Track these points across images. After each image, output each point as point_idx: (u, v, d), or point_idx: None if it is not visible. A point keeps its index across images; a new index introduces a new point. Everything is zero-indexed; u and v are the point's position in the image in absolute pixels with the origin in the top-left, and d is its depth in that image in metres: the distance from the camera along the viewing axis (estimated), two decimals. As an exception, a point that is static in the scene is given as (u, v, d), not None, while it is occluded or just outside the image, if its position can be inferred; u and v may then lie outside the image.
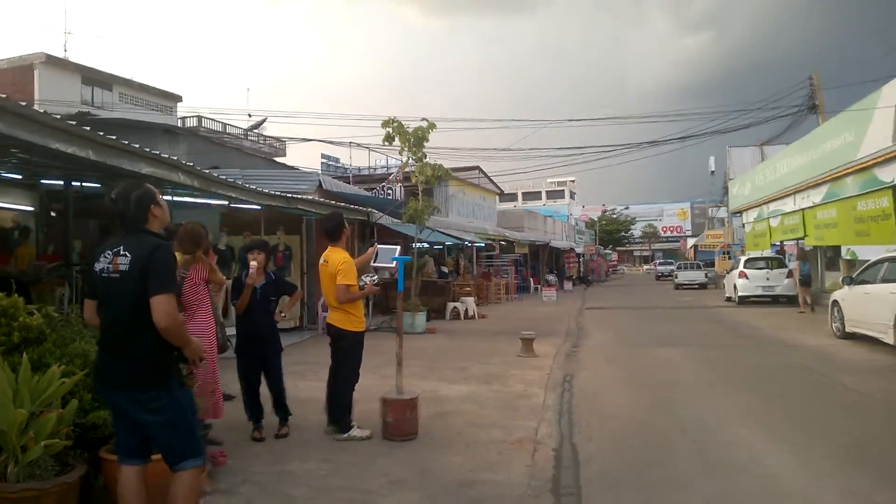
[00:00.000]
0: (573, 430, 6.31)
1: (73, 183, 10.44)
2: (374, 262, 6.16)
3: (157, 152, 7.95)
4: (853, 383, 8.41)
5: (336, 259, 5.74)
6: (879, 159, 14.62)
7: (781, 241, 23.88)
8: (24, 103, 5.59)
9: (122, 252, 3.11)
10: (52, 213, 12.99)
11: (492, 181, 38.83)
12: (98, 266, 3.18)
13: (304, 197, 13.26)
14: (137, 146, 7.33)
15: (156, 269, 3.05)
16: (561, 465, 5.20)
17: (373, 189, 22.59)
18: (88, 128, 6.51)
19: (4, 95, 5.20)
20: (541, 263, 40.44)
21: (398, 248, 6.22)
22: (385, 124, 14.69)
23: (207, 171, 9.38)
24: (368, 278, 5.94)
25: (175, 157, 8.42)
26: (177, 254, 5.43)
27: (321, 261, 5.95)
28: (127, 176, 7.72)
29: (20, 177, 10.85)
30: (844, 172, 16.77)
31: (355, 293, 5.72)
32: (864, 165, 15.52)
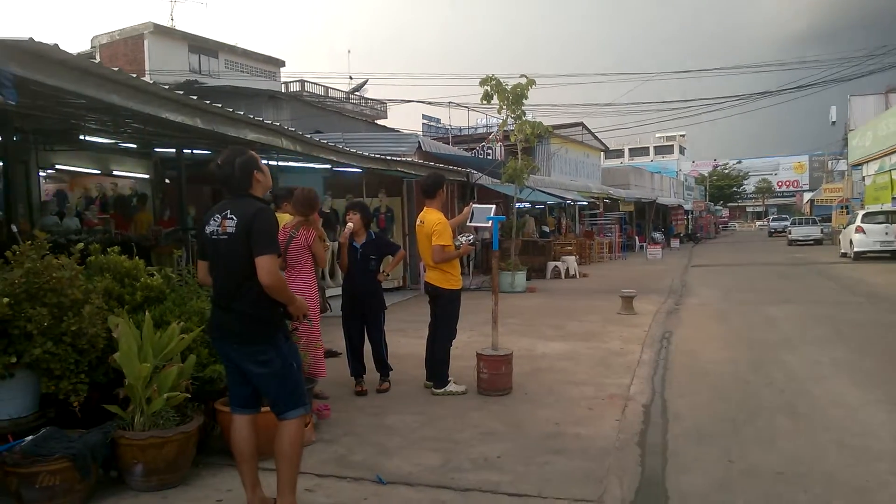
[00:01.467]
0: (665, 386, 6.29)
1: (185, 151, 11.03)
2: (470, 222, 6.25)
3: (261, 119, 8.32)
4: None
5: (432, 219, 5.85)
6: None
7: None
8: (134, 75, 5.96)
9: (229, 215, 3.31)
10: (167, 181, 13.80)
11: (596, 137, 37.88)
12: (208, 229, 3.40)
13: (404, 159, 13.48)
14: (242, 113, 7.70)
15: (259, 231, 3.23)
16: (650, 420, 5.22)
17: (472, 149, 22.59)
18: (196, 97, 6.89)
19: (117, 68, 5.57)
20: (647, 221, 39.31)
21: (493, 207, 6.27)
22: (483, 82, 14.58)
23: (309, 136, 9.72)
24: (464, 238, 6.01)
25: (278, 123, 8.79)
26: (288, 215, 5.73)
27: (418, 221, 6.08)
28: (233, 142, 8.16)
29: (135, 146, 11.62)
30: None
31: (451, 253, 5.82)
32: None
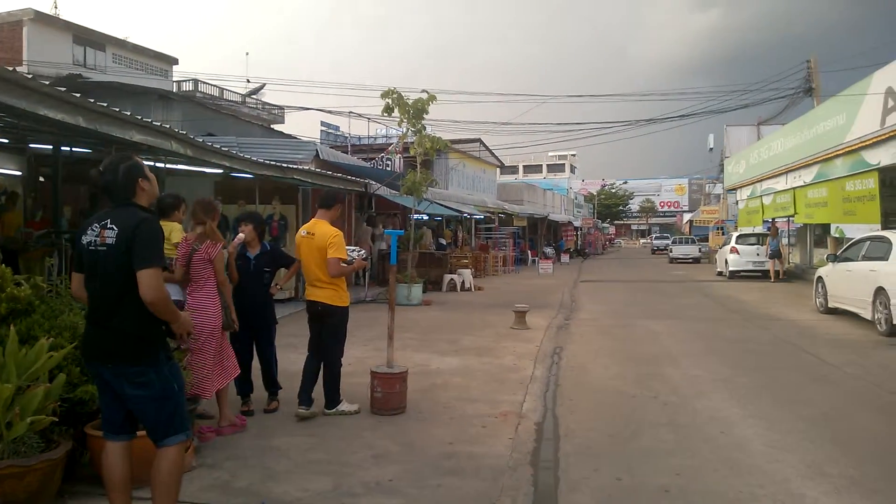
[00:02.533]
0: (557, 402, 6.44)
1: (64, 148, 10.26)
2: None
3: (150, 120, 7.89)
4: (829, 357, 8.70)
5: (326, 231, 5.58)
6: (868, 142, 15.01)
7: (773, 219, 24.14)
8: (11, 68, 5.50)
9: (109, 225, 3.09)
10: (41, 179, 12.82)
11: (493, 154, 38.63)
12: (85, 239, 3.16)
13: (301, 167, 13.18)
14: (129, 113, 7.26)
15: (142, 243, 3.03)
16: (542, 437, 5.31)
17: (372, 159, 22.47)
18: (79, 93, 6.43)
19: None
20: (539, 236, 40.45)
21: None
22: (385, 95, 14.55)
23: (201, 140, 9.30)
24: (357, 253, 5.91)
25: (168, 125, 8.36)
26: (177, 225, 5.40)
27: (302, 233, 5.75)
28: (118, 143, 7.68)
29: (6, 141, 10.70)
30: (834, 154, 17.21)
31: (347, 268, 5.65)
32: (853, 147, 15.91)
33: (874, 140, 14.69)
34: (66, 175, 10.92)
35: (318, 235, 5.58)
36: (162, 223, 7.06)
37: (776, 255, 21.59)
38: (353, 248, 5.93)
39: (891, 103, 14.33)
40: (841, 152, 16.71)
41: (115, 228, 3.07)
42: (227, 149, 10.11)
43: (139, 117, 7.52)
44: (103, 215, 3.16)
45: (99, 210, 3.31)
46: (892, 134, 13.95)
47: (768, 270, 21.62)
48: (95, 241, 3.11)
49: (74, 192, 12.76)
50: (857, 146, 15.63)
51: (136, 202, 3.21)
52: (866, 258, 11.34)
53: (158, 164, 8.93)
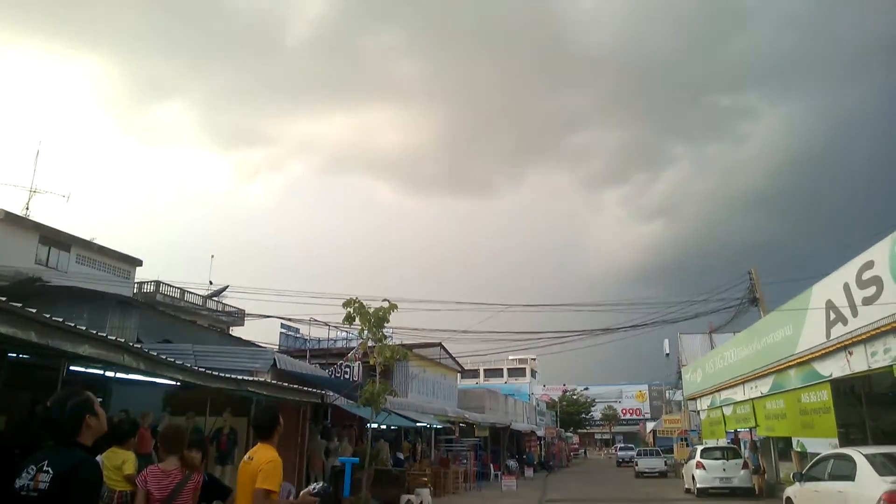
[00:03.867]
0: None
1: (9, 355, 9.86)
2: None
3: (106, 330, 7.77)
4: None
5: (262, 457, 4.65)
6: (816, 354, 15.29)
7: (736, 430, 23.85)
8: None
9: (45, 468, 2.90)
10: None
11: (453, 359, 38.64)
12: (18, 483, 2.93)
13: (256, 379, 12.89)
14: (84, 328, 7.15)
15: (77, 488, 2.83)
16: None
17: (331, 365, 22.17)
18: (37, 296, 6.36)
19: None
20: (501, 447, 39.23)
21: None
22: (346, 304, 14.76)
23: (155, 354, 9.11)
24: (316, 485, 5.17)
25: (123, 339, 8.22)
26: (131, 453, 5.06)
27: (245, 458, 4.87)
28: (71, 356, 7.47)
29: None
30: (787, 365, 17.38)
31: (277, 502, 4.58)
32: (803, 359, 16.13)
33: (823, 352, 14.99)
34: (6, 380, 10.40)
35: (256, 461, 4.69)
36: (115, 451, 6.73)
37: (757, 470, 21.07)
38: (316, 483, 5.25)
39: (832, 316, 14.90)
40: (793, 363, 16.94)
41: (50, 472, 2.88)
42: (181, 361, 9.89)
43: (93, 331, 7.40)
44: (40, 456, 2.99)
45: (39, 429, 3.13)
46: (838, 346, 14.29)
47: (738, 487, 20.92)
48: (28, 485, 2.90)
49: (14, 397, 12.09)
50: (807, 357, 15.88)
51: (80, 441, 3.06)
52: (833, 477, 11.09)
53: (108, 373, 8.66)
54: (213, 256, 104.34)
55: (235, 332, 33.18)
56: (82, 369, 9.24)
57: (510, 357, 77.63)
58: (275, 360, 15.49)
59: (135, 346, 8.40)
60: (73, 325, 6.94)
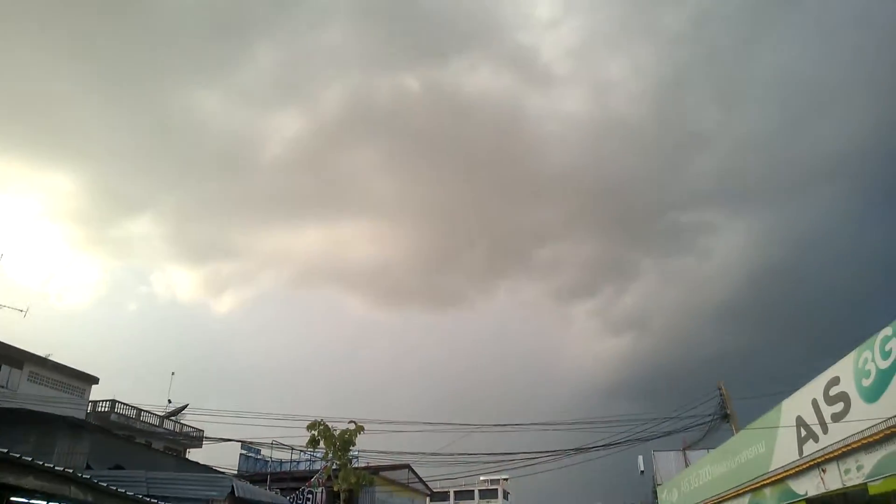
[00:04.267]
0: None
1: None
2: None
3: (51, 464, 7.32)
4: None
5: None
6: (790, 472, 15.02)
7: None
8: None
9: None
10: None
11: (422, 482, 37.20)
12: None
13: (213, 507, 12.18)
14: (29, 458, 6.74)
15: None
16: None
17: (293, 491, 21.11)
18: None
19: None
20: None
21: None
22: (311, 427, 14.30)
23: (104, 484, 8.58)
24: None
25: (70, 469, 7.74)
26: None
27: None
28: (12, 489, 6.99)
29: None
30: (761, 483, 17.00)
31: None
32: (778, 477, 15.81)
33: (796, 469, 14.76)
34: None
35: None
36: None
37: None
38: None
39: (804, 433, 14.77)
40: (768, 481, 16.62)
41: None
42: (132, 491, 9.33)
43: (39, 461, 6.98)
44: None
45: None
46: (812, 463, 14.09)
47: None
48: None
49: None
50: (781, 475, 15.61)
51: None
52: None
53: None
54: (173, 373, 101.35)
55: (194, 454, 31.76)
56: (25, 501, 8.65)
57: (481, 478, 74.98)
58: (233, 487, 14.69)
59: (83, 476, 7.91)
60: (17, 455, 6.54)
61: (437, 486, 46.86)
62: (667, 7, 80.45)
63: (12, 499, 8.34)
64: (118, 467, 13.63)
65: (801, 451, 14.76)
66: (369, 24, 79.55)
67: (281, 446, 21.96)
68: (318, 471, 22.06)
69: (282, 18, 78.96)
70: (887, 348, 12.22)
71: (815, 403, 14.23)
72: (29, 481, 6.77)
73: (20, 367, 29.37)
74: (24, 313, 33.34)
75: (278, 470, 30.12)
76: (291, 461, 32.88)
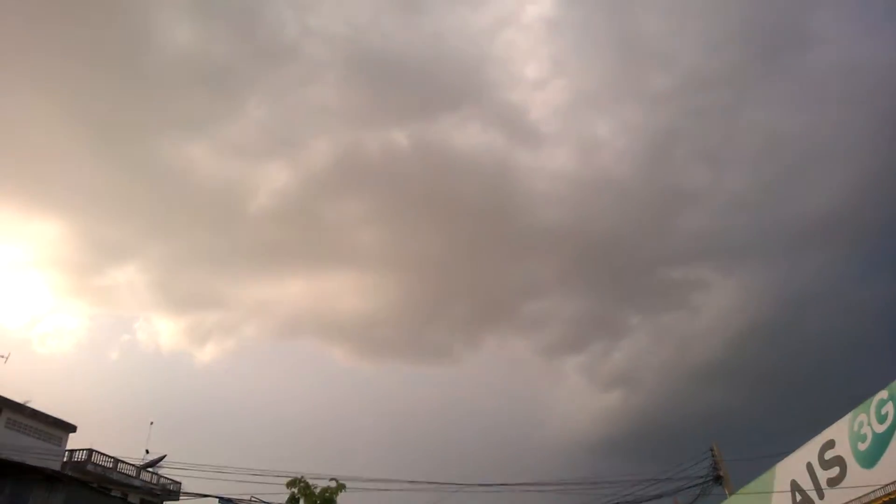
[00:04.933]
0: None
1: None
2: None
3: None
4: None
5: None
6: None
7: None
8: None
9: None
10: None
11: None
12: None
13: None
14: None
15: None
16: None
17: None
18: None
19: None
20: None
21: None
22: (290, 484, 13.92)
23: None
24: None
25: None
26: None
27: None
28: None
29: None
30: None
31: None
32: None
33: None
34: None
35: None
36: None
37: None
38: None
39: (799, 498, 14.49)
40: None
41: None
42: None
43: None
44: None
45: None
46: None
47: None
48: None
49: None
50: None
51: None
52: None
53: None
54: (151, 423, 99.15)
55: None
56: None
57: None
58: (210, 543, 14.15)
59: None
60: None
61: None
62: (653, 68, 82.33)
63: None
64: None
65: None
66: (360, 81, 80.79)
67: (260, 503, 21.25)
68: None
69: (273, 74, 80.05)
70: (883, 412, 12.12)
71: (809, 467, 14.01)
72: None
73: (-1, 414, 28.65)
74: (4, 359, 32.70)
75: (257, 526, 29.17)
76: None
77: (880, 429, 12.12)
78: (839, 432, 13.09)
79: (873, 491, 11.72)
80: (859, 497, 11.86)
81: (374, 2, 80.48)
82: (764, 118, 77.73)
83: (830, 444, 13.34)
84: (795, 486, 14.62)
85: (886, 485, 11.53)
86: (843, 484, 12.61)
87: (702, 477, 22.87)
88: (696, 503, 24.79)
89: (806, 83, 78.12)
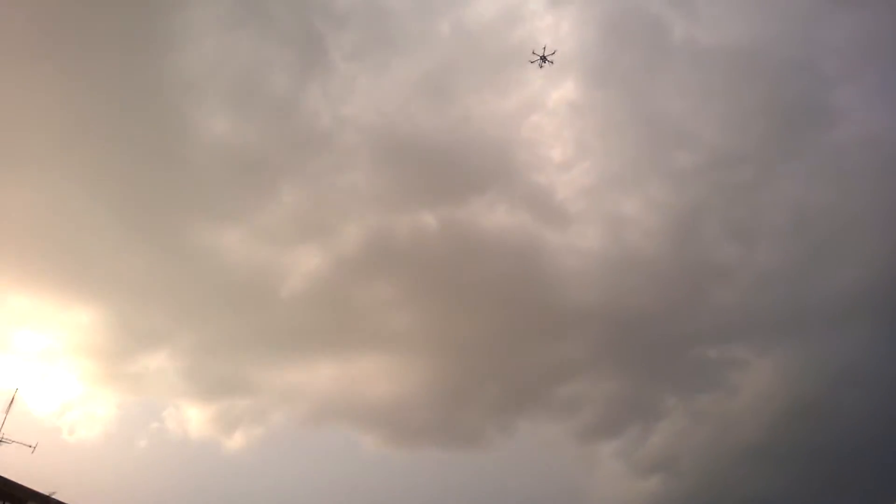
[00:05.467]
0: None
1: None
2: None
3: None
4: None
5: None
6: None
7: None
8: None
9: None
10: None
11: None
12: None
13: None
14: None
15: None
16: None
17: None
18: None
19: None
20: None
21: None
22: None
23: None
24: None
25: None
26: None
27: None
28: None
29: None
30: None
31: None
32: None
33: None
34: None
35: None
36: None
37: None
38: None
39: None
40: None
41: None
42: None
43: None
44: None
45: None
46: None
47: None
48: None
49: None
50: None
51: None
52: None
53: None
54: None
55: None
56: None
57: None
58: None
59: None
60: None
61: None
62: (676, 146, 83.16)
63: None
64: None
65: None
66: (390, 166, 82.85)
67: None
68: None
69: (306, 162, 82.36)
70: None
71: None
72: None
73: (23, 504, 28.26)
74: (32, 449, 32.53)
75: None
76: None
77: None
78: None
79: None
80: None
81: (405, 90, 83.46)
82: (790, 193, 77.38)
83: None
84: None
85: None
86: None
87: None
88: None
89: (830, 158, 78.03)
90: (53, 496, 29.05)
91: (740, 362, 79.99)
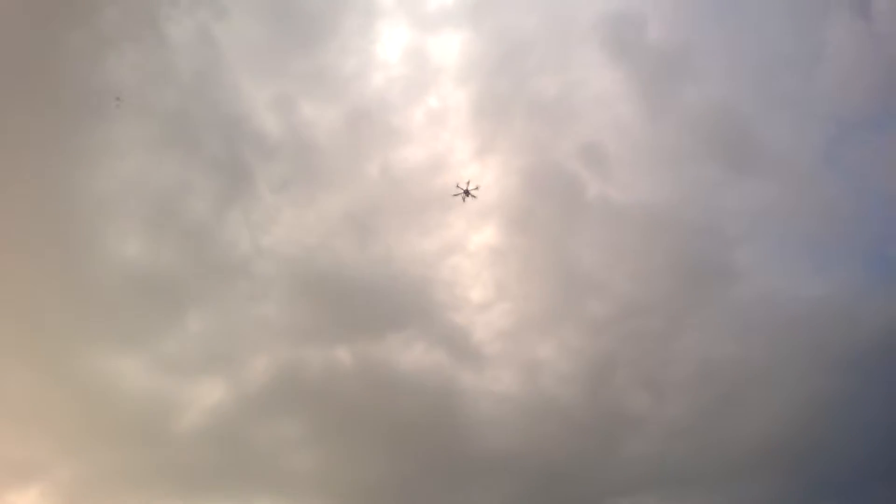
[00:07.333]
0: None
1: None
2: None
3: None
4: None
5: None
6: None
7: None
8: None
9: None
10: None
11: None
12: None
13: None
14: None
15: None
16: None
17: None
18: None
19: None
20: None
21: None
22: None
23: None
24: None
25: None
26: None
27: None
28: None
29: None
30: None
31: None
32: None
33: None
34: None
35: None
36: None
37: None
38: None
39: None
40: None
41: None
42: None
43: None
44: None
45: None
46: None
47: None
48: None
49: None
50: None
51: None
52: None
53: None
54: None
55: None
56: None
57: None
58: None
59: None
60: None
61: None
62: (590, 295, 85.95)
63: None
64: None
65: None
66: (307, 299, 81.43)
67: None
68: None
69: (219, 290, 79.93)
70: None
71: None
72: None
73: None
74: None
75: None
76: None
77: None
78: None
79: None
80: None
81: (328, 224, 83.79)
82: (696, 345, 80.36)
83: None
84: None
85: None
86: None
87: None
88: None
89: (733, 313, 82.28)
90: None
91: (650, 513, 78.85)
